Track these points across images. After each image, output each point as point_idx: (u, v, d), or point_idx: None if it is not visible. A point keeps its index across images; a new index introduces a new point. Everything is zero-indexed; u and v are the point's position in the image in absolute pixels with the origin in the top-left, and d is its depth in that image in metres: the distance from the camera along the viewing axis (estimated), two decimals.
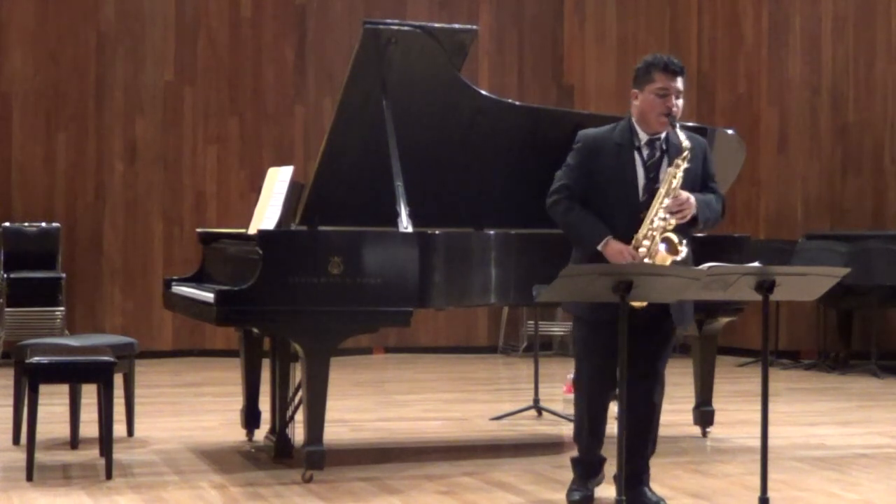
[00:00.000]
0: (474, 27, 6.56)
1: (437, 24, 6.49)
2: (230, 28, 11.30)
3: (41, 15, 10.85)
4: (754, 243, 8.02)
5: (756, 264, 4.74)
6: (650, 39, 12.11)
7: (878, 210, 11.10)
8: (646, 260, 4.89)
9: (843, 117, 11.19)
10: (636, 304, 4.83)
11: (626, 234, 4.97)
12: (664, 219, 4.92)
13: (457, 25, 6.65)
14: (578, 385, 5.27)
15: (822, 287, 4.83)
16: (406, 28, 6.15)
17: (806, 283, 4.79)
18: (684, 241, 4.92)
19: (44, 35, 10.85)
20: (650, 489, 5.19)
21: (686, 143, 4.94)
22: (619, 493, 4.68)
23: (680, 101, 5.05)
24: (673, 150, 5.04)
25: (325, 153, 6.13)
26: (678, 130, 4.97)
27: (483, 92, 6.49)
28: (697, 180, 5.11)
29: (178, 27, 11.16)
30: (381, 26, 6.05)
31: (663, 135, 5.05)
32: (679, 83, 5.04)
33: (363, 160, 6.18)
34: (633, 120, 5.12)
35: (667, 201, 4.92)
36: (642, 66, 5.09)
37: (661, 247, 4.91)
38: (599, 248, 4.98)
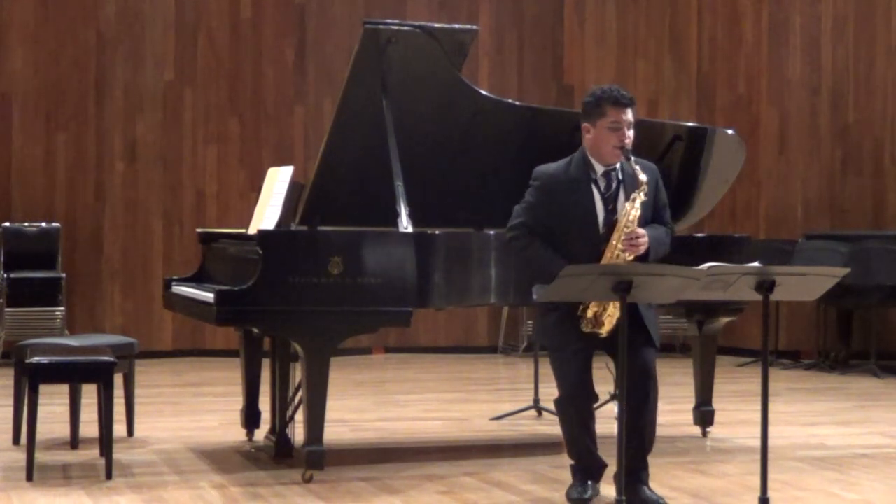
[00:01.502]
0: (474, 27, 6.57)
1: (437, 24, 6.49)
2: (230, 28, 11.30)
3: (41, 15, 10.85)
4: (754, 243, 8.02)
5: (756, 264, 4.75)
6: (650, 39, 12.11)
7: (878, 210, 11.10)
8: None
9: (843, 117, 11.19)
10: (603, 330, 5.02)
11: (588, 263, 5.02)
12: (623, 251, 5.03)
13: (457, 25, 6.66)
14: (559, 406, 5.30)
15: (822, 287, 4.83)
16: (406, 28, 6.15)
17: (806, 283, 4.79)
18: None
19: (44, 35, 10.85)
20: (649, 488, 5.19)
21: (643, 176, 5.04)
22: (619, 492, 4.69)
23: (631, 133, 5.14)
24: (629, 181, 5.15)
25: (325, 153, 6.13)
26: (633, 163, 5.05)
27: (483, 92, 6.49)
28: (650, 210, 5.20)
29: (178, 27, 11.16)
30: (381, 26, 6.05)
31: (618, 165, 5.14)
32: (629, 115, 5.14)
33: (363, 160, 6.17)
34: (587, 153, 5.20)
35: (624, 234, 5.03)
36: (592, 101, 5.17)
37: None
38: None
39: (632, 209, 5.04)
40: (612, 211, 5.12)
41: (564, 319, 5.11)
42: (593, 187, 5.16)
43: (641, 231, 5.05)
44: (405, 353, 11.37)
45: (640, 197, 5.04)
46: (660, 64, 12.08)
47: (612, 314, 5.02)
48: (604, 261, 5.02)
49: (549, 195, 5.19)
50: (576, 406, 5.20)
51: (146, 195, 11.08)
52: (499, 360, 11.40)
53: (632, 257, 5.02)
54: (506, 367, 10.92)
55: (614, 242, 5.04)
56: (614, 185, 5.16)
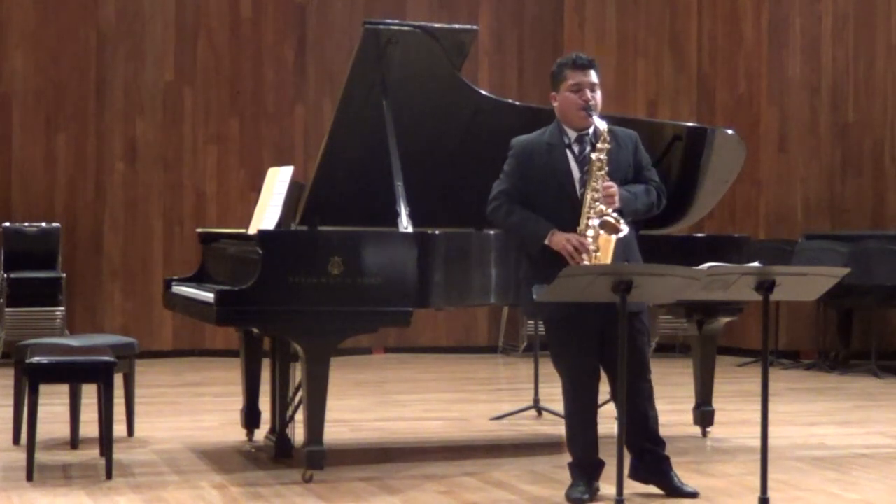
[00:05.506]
0: (474, 27, 6.57)
1: (437, 24, 6.49)
2: (230, 28, 11.30)
3: (41, 15, 10.85)
4: (754, 243, 8.02)
5: (756, 264, 4.75)
6: (650, 39, 12.10)
7: (878, 210, 11.10)
8: (591, 247, 4.99)
9: (843, 117, 11.19)
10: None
11: (570, 227, 5.10)
12: (598, 202, 5.05)
13: (457, 25, 6.65)
14: (565, 390, 5.30)
15: (822, 287, 4.83)
16: (406, 28, 6.15)
17: (806, 283, 4.79)
18: (622, 221, 5.03)
19: (44, 35, 10.85)
20: (677, 477, 5.32)
21: (602, 125, 5.08)
22: (618, 492, 4.70)
23: (598, 94, 5.22)
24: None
25: (325, 153, 6.13)
26: (595, 118, 5.11)
27: (483, 92, 6.50)
28: (630, 171, 5.27)
29: (178, 27, 11.16)
30: (381, 26, 6.05)
31: (591, 130, 5.20)
32: (592, 76, 5.23)
33: (363, 160, 6.17)
34: (560, 121, 5.27)
35: (598, 185, 5.05)
36: (555, 69, 5.29)
37: (595, 222, 5.03)
38: (546, 242, 5.11)
39: (598, 160, 5.05)
40: (586, 173, 5.14)
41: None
42: (567, 151, 5.22)
43: (610, 183, 5.06)
44: (405, 353, 11.37)
45: (603, 146, 5.07)
46: (660, 64, 12.08)
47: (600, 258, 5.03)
48: (581, 217, 5.05)
49: (525, 161, 5.26)
50: (578, 391, 5.24)
51: (146, 195, 11.08)
52: (499, 360, 11.41)
53: (610, 209, 5.03)
54: (506, 367, 10.92)
55: (588, 196, 5.05)
56: (587, 148, 5.20)
